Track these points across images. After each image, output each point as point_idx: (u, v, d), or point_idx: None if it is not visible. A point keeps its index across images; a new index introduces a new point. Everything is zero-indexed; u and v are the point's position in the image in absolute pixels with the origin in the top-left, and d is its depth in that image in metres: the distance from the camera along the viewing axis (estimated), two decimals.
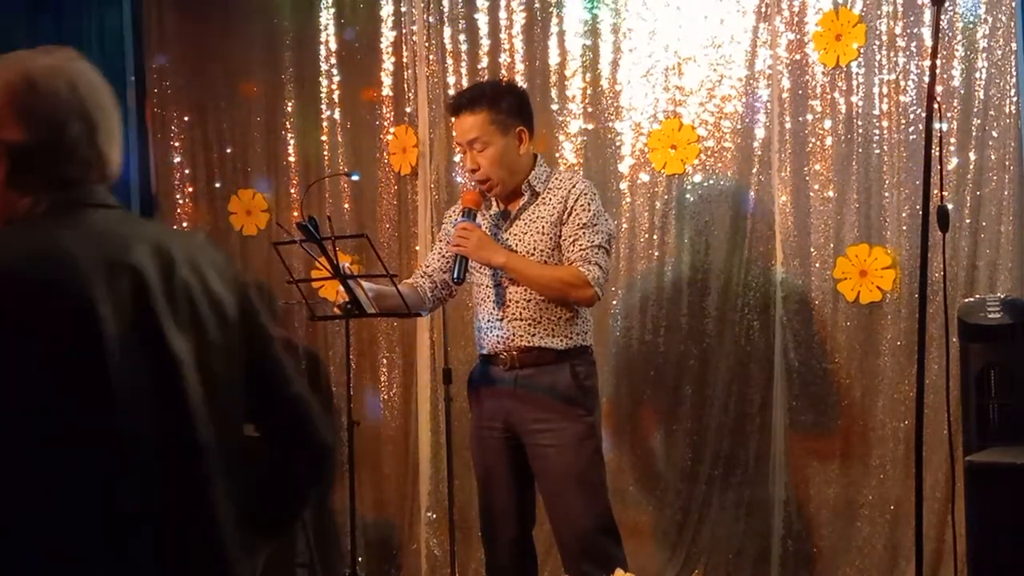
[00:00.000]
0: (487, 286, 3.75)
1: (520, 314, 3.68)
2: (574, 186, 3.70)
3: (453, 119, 3.81)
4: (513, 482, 3.77)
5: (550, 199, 3.70)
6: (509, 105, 3.72)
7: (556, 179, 3.75)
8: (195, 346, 1.75)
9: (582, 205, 3.65)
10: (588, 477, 3.69)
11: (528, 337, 3.67)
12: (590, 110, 4.71)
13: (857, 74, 4.29)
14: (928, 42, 4.12)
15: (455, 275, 3.65)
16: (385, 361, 5.11)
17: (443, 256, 3.83)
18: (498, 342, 3.71)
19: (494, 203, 3.79)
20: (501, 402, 3.73)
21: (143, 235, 1.77)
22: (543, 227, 3.68)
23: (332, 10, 5.18)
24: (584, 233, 3.63)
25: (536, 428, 3.67)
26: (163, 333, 1.71)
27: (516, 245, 3.69)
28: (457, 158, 4.92)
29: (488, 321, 3.74)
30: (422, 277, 3.90)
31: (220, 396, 1.78)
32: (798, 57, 4.38)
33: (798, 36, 4.37)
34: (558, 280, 3.62)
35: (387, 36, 5.08)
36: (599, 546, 3.68)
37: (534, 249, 3.67)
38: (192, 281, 1.77)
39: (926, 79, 3.90)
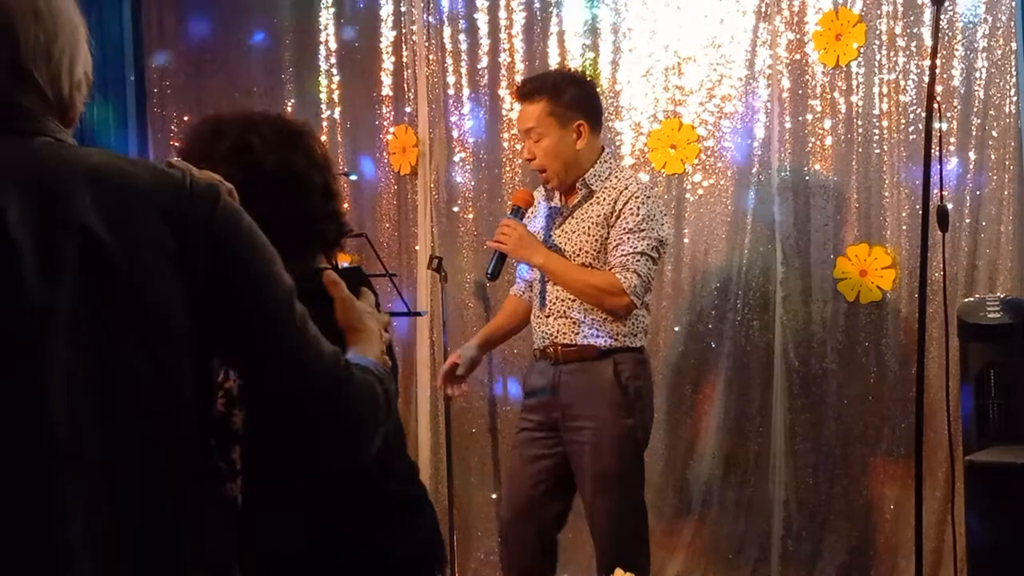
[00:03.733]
0: (537, 282, 3.72)
1: (564, 312, 3.63)
2: (626, 187, 3.59)
3: (518, 106, 3.74)
4: (538, 479, 3.70)
5: (603, 199, 3.60)
6: (571, 98, 3.62)
7: (615, 178, 3.64)
8: (78, 300, 1.35)
9: (631, 209, 3.54)
10: (622, 481, 3.60)
11: (571, 335, 3.62)
12: None
13: (857, 74, 4.29)
14: (928, 42, 4.12)
15: (489, 271, 3.61)
16: None
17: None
18: (544, 338, 3.67)
19: (556, 197, 3.73)
20: (544, 397, 3.69)
21: (22, 164, 1.40)
22: (589, 227, 3.60)
23: (332, 10, 5.18)
24: (628, 239, 3.53)
25: (574, 425, 3.61)
26: (19, 284, 1.34)
27: (564, 243, 3.62)
28: (457, 158, 4.92)
29: (536, 317, 3.71)
30: (520, 281, 3.91)
31: (114, 369, 1.37)
32: (798, 57, 4.38)
33: (798, 36, 4.37)
34: (592, 286, 3.53)
35: (387, 36, 5.08)
36: (623, 550, 3.61)
37: (579, 250, 3.60)
38: (89, 219, 1.37)
39: (926, 79, 3.89)
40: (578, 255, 3.60)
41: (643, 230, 3.53)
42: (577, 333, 3.61)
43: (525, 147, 3.67)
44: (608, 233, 3.57)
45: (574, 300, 3.60)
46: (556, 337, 3.64)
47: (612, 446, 3.58)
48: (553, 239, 3.66)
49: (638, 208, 3.54)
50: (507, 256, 3.61)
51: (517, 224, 3.60)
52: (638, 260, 3.51)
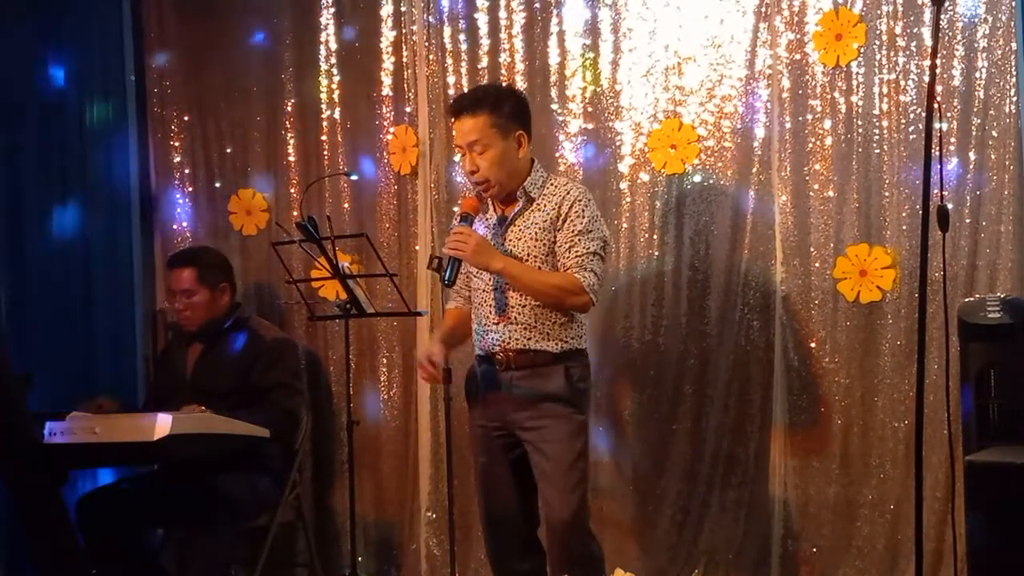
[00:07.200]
0: (485, 290, 3.77)
1: (516, 318, 3.70)
2: (568, 192, 3.73)
3: (453, 121, 3.81)
4: (515, 481, 3.79)
5: (545, 205, 3.73)
6: (510, 109, 3.74)
7: (551, 185, 3.77)
8: None
9: (576, 212, 3.68)
10: (574, 472, 3.70)
11: (524, 340, 3.70)
12: (590, 110, 4.71)
13: (857, 74, 4.30)
14: (928, 42, 4.12)
15: (446, 278, 3.65)
16: (385, 361, 5.11)
17: (468, 272, 3.84)
18: (495, 344, 3.73)
19: (491, 209, 3.80)
20: (498, 402, 3.75)
21: None
22: (537, 233, 3.70)
23: (332, 10, 5.18)
24: (580, 240, 3.66)
25: (530, 426, 3.70)
26: None
27: (511, 250, 3.72)
28: (457, 158, 4.91)
29: (485, 324, 3.77)
30: (458, 296, 3.96)
31: None
32: (798, 57, 4.38)
33: (798, 36, 4.37)
34: (554, 287, 3.65)
35: (387, 36, 5.08)
36: (577, 540, 3.72)
37: (528, 255, 3.70)
38: None
39: (926, 79, 3.91)
40: (528, 260, 3.70)
41: (591, 231, 3.69)
42: (530, 338, 3.70)
43: (466, 160, 3.73)
44: (555, 237, 3.69)
45: (525, 306, 3.69)
46: (508, 343, 3.71)
47: (568, 441, 3.69)
48: (499, 247, 3.72)
49: (583, 211, 3.69)
50: (461, 262, 3.66)
51: (471, 231, 3.67)
52: (592, 260, 3.66)
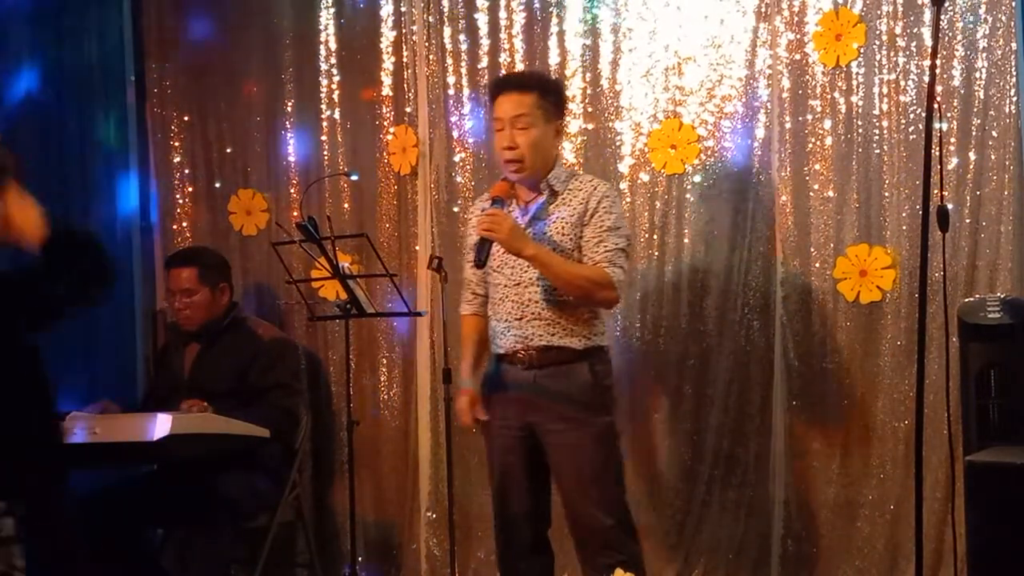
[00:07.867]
0: (504, 286, 3.73)
1: (539, 314, 3.67)
2: (596, 188, 3.70)
3: (497, 96, 3.73)
4: (530, 483, 3.76)
5: (571, 200, 3.70)
6: (556, 99, 3.75)
7: (576, 180, 3.75)
8: None
9: (606, 208, 3.66)
10: (607, 475, 3.69)
11: (547, 337, 3.66)
12: (590, 110, 4.71)
13: (857, 74, 4.30)
14: (928, 42, 4.12)
15: (479, 259, 3.60)
16: (385, 361, 5.11)
17: (488, 268, 3.78)
18: (516, 342, 3.69)
19: (513, 202, 3.76)
20: (519, 402, 3.71)
21: None
22: (564, 227, 3.67)
23: (332, 10, 5.18)
24: (609, 236, 3.64)
25: (556, 428, 3.66)
26: None
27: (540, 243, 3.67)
28: (457, 158, 4.92)
29: (506, 322, 3.72)
30: (475, 298, 3.91)
31: None
32: (798, 57, 4.38)
33: (798, 36, 4.37)
34: (585, 279, 3.61)
35: (387, 36, 5.08)
36: (618, 541, 3.68)
37: (555, 248, 3.65)
38: None
39: (926, 79, 3.91)
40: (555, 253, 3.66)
41: (619, 228, 3.69)
42: (553, 335, 3.66)
43: (505, 136, 3.67)
44: (582, 232, 3.66)
45: (548, 302, 3.66)
46: (531, 340, 3.68)
47: (596, 444, 3.67)
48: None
49: (612, 207, 3.69)
50: (492, 244, 3.61)
51: (505, 214, 3.63)
52: (620, 256, 3.66)
